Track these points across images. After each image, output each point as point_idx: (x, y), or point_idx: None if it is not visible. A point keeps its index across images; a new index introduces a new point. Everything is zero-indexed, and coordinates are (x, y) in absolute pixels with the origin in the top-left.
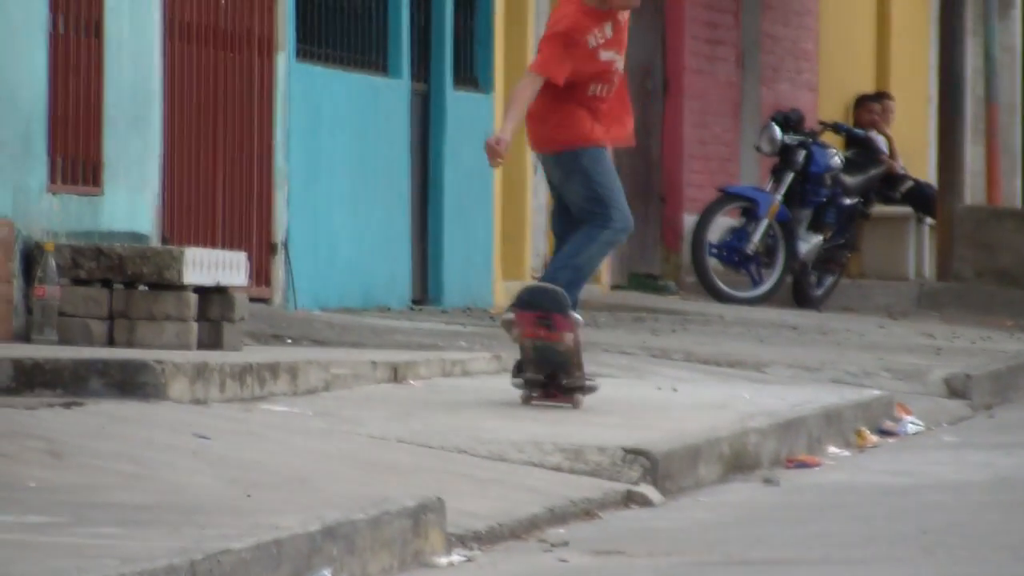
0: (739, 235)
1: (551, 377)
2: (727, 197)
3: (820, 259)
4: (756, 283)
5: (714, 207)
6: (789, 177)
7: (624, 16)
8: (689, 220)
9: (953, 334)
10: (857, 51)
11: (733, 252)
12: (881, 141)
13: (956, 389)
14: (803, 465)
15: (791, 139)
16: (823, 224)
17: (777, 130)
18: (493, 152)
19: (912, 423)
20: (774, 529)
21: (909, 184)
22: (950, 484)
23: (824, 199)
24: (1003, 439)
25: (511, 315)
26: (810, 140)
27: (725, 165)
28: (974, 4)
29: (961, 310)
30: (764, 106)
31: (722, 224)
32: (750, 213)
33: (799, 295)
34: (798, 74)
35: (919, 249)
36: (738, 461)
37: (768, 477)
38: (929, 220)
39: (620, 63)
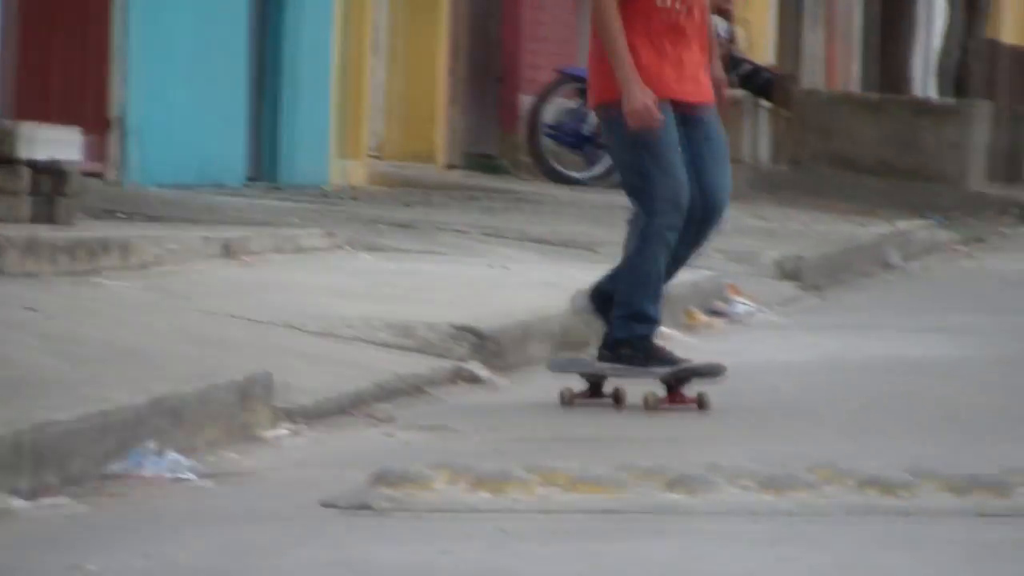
0: (576, 116)
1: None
2: (564, 78)
3: None
4: (591, 164)
5: (551, 88)
6: None
7: None
8: (526, 101)
9: (786, 217)
10: None
11: (569, 133)
12: (723, 26)
13: (787, 271)
14: None
15: None
16: None
17: None
18: (651, 117)
19: (743, 304)
20: (603, 407)
21: (747, 68)
22: (778, 365)
23: None
24: (832, 320)
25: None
26: None
27: (564, 47)
28: None
29: (796, 193)
30: None
31: (559, 105)
32: (586, 94)
33: None
34: None
35: (755, 133)
36: (568, 340)
37: None
38: (766, 104)
39: (680, 13)
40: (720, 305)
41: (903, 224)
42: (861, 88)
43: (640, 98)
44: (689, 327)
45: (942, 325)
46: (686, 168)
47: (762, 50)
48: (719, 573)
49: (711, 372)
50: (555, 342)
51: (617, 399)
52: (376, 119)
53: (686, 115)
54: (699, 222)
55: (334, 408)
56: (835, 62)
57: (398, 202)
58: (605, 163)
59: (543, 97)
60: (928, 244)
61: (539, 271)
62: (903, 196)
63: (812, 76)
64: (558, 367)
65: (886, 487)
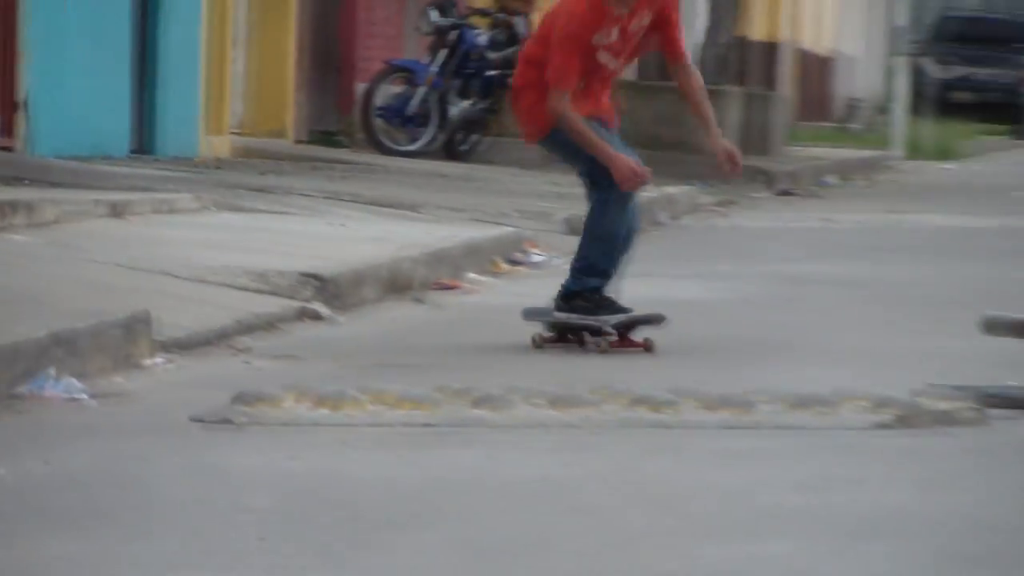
0: (401, 100)
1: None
2: (391, 68)
3: (467, 120)
4: (415, 140)
5: (380, 76)
6: (443, 53)
7: (635, 26)
8: (360, 88)
9: (575, 183)
10: None
11: (396, 114)
12: (523, 23)
13: (574, 227)
14: (446, 288)
15: (444, 21)
16: (470, 91)
17: (433, 14)
18: (642, 175)
19: (537, 255)
20: (421, 339)
21: None
22: None
23: (472, 71)
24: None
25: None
26: (461, 23)
27: (392, 42)
28: None
29: None
30: None
31: (387, 91)
32: (411, 81)
33: (450, 150)
34: None
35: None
36: (394, 284)
37: (417, 297)
38: None
39: (615, 69)
40: (519, 256)
41: (670, 189)
42: (637, 77)
43: (627, 164)
44: (495, 273)
45: (700, 272)
46: None
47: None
48: (516, 475)
49: (654, 320)
50: (383, 285)
51: (581, 342)
52: (236, 101)
53: None
54: None
55: (202, 341)
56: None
57: (255, 171)
58: (426, 138)
59: (374, 84)
60: (690, 205)
61: (371, 228)
62: (670, 166)
63: None
64: (529, 316)
65: (653, 404)
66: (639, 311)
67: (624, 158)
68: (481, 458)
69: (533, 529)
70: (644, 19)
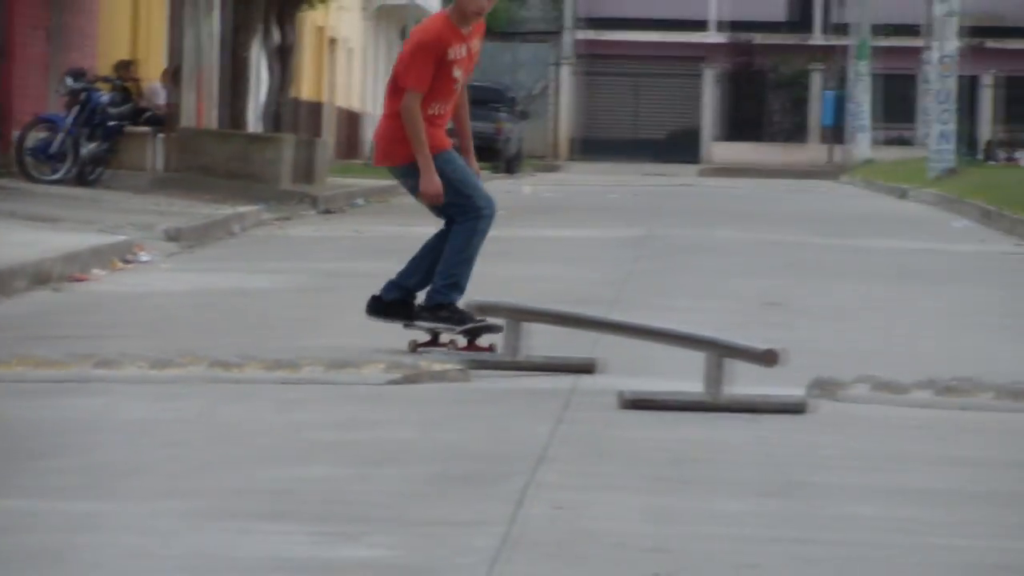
0: (45, 142)
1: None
2: (38, 120)
3: (94, 157)
4: (56, 172)
5: (30, 125)
6: (76, 108)
7: (476, 45)
8: (16, 134)
9: (171, 204)
10: (120, 32)
11: (42, 152)
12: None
13: (172, 235)
14: (78, 280)
15: (77, 85)
16: (96, 136)
17: (69, 80)
18: (438, 198)
19: (144, 256)
20: (59, 318)
21: (148, 114)
22: (165, 291)
23: (97, 122)
24: (200, 266)
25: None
26: (89, 87)
27: (39, 101)
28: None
29: (178, 190)
30: (64, 65)
31: (35, 136)
32: (53, 129)
33: (82, 179)
34: (84, 44)
35: (154, 152)
36: (38, 277)
37: (56, 287)
38: (160, 135)
39: (462, 83)
40: (131, 257)
41: (242, 208)
42: (218, 126)
43: (436, 183)
44: (113, 269)
45: (264, 268)
46: None
47: (157, 99)
48: (126, 417)
49: (496, 328)
50: (31, 279)
51: (455, 344)
52: None
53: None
54: None
55: None
56: (202, 109)
57: None
58: (64, 171)
59: (25, 131)
60: (256, 221)
61: (22, 236)
62: (243, 192)
63: (189, 118)
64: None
65: (226, 366)
66: (487, 321)
67: (435, 180)
68: (100, 405)
69: (137, 457)
70: (478, 43)
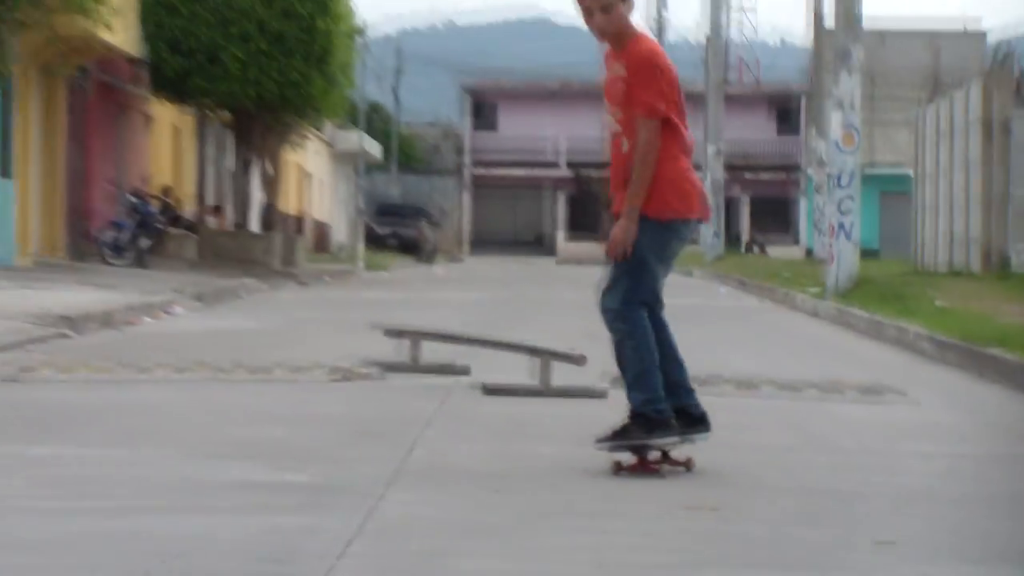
0: (115, 238)
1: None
2: (111, 224)
3: (147, 249)
4: (121, 258)
5: (103, 228)
6: (137, 216)
7: (616, 68)
8: (95, 231)
9: (198, 279)
10: (164, 164)
11: (112, 245)
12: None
13: (197, 297)
14: (132, 323)
15: (135, 201)
16: (149, 234)
17: (130, 197)
18: (624, 246)
19: (178, 310)
20: (122, 347)
21: (187, 220)
22: (189, 331)
23: (150, 225)
24: (214, 316)
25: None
26: (144, 203)
27: (110, 208)
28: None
29: (203, 271)
30: (126, 186)
31: (107, 233)
32: (120, 230)
33: (140, 263)
34: (139, 170)
35: (187, 246)
36: (107, 322)
37: (117, 328)
38: (192, 235)
39: (614, 120)
40: (169, 310)
41: (245, 280)
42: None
43: (635, 233)
44: (156, 318)
45: (252, 316)
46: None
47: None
48: (149, 401)
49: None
50: (99, 321)
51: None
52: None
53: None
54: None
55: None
56: (224, 213)
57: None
58: (129, 258)
59: (102, 231)
60: (255, 289)
61: (98, 296)
62: (246, 271)
63: (210, 223)
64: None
65: (224, 370)
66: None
67: (636, 230)
68: (134, 394)
69: (151, 424)
70: (617, 69)
